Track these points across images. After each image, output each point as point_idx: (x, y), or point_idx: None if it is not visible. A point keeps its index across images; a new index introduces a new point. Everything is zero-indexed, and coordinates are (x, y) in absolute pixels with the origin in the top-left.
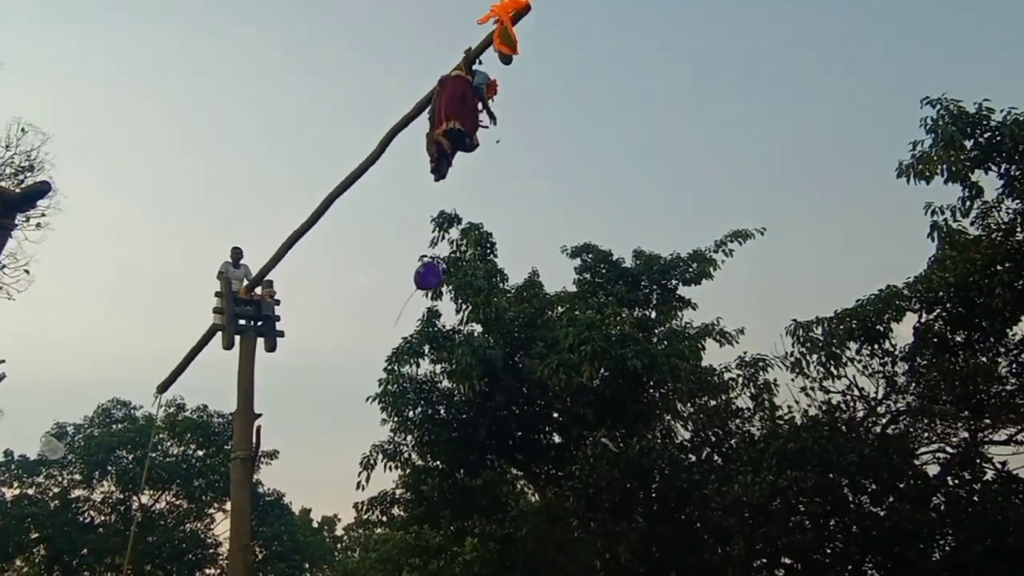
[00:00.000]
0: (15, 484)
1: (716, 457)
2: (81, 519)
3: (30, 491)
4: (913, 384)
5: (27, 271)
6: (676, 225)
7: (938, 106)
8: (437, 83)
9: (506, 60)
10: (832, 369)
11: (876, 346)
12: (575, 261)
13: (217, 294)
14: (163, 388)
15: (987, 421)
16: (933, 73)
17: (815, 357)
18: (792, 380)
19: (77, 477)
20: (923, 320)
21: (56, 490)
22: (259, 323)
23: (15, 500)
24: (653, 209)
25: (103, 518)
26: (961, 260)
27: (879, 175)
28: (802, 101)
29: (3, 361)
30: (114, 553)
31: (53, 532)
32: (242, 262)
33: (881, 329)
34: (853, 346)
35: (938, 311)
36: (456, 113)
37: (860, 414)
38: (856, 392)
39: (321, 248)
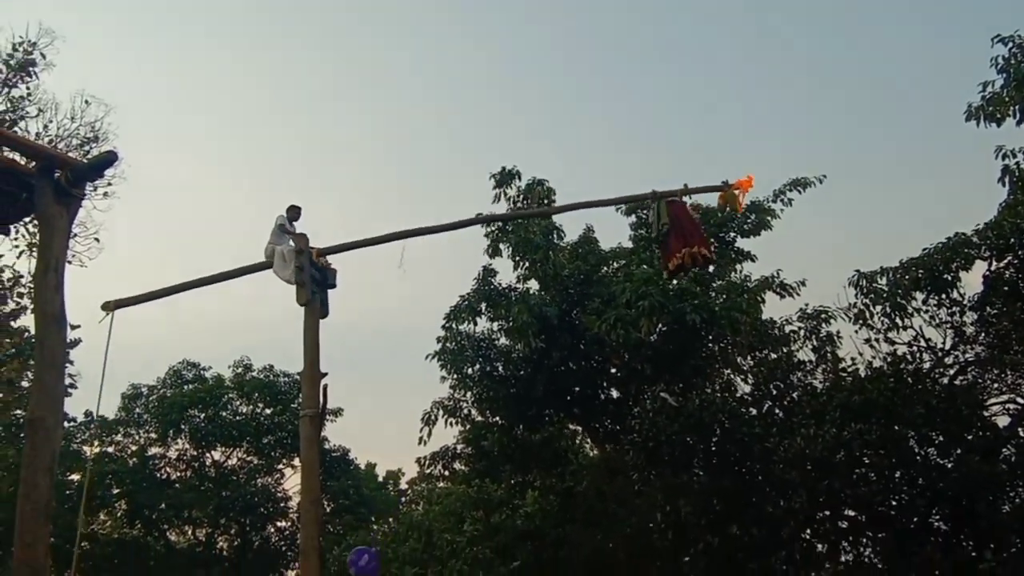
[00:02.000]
0: (95, 443)
1: (777, 410)
2: (158, 475)
3: (110, 449)
4: (982, 334)
5: (97, 239)
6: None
7: (1010, 44)
8: (660, 199)
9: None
10: (897, 320)
11: (943, 296)
12: (630, 218)
13: (275, 234)
14: (116, 307)
15: None
16: (1005, 8)
17: (879, 308)
18: (856, 332)
19: (153, 436)
20: (993, 268)
21: (134, 448)
22: (325, 288)
23: (96, 458)
24: (712, 161)
25: (178, 474)
26: None
27: (946, 118)
28: (866, 42)
29: (78, 327)
30: (191, 507)
31: (133, 488)
32: (296, 224)
33: (949, 278)
34: (919, 296)
35: (1009, 258)
36: (701, 238)
37: (927, 365)
38: (923, 343)
39: (385, 203)
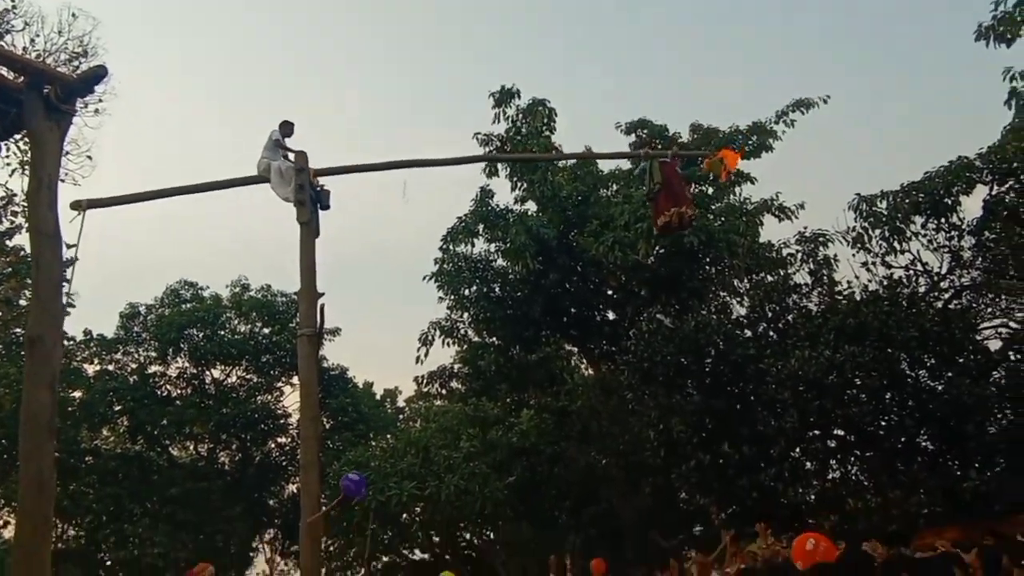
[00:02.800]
0: (95, 361)
1: (772, 333)
2: (159, 392)
3: (110, 367)
4: (979, 259)
5: (90, 157)
6: (736, 96)
7: None
8: (653, 159)
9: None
10: (895, 244)
11: (943, 220)
12: (629, 137)
13: (268, 151)
14: (88, 206)
15: None
16: None
17: (878, 232)
18: (853, 256)
19: (152, 354)
20: (994, 192)
21: (133, 366)
22: (318, 209)
23: (97, 375)
24: (713, 80)
25: (179, 391)
26: None
27: (955, 39)
28: None
29: (75, 245)
30: (191, 423)
31: (134, 405)
32: (289, 140)
33: (949, 202)
34: (918, 220)
35: (1010, 183)
36: (688, 200)
37: (922, 289)
38: (919, 267)
39: (383, 124)
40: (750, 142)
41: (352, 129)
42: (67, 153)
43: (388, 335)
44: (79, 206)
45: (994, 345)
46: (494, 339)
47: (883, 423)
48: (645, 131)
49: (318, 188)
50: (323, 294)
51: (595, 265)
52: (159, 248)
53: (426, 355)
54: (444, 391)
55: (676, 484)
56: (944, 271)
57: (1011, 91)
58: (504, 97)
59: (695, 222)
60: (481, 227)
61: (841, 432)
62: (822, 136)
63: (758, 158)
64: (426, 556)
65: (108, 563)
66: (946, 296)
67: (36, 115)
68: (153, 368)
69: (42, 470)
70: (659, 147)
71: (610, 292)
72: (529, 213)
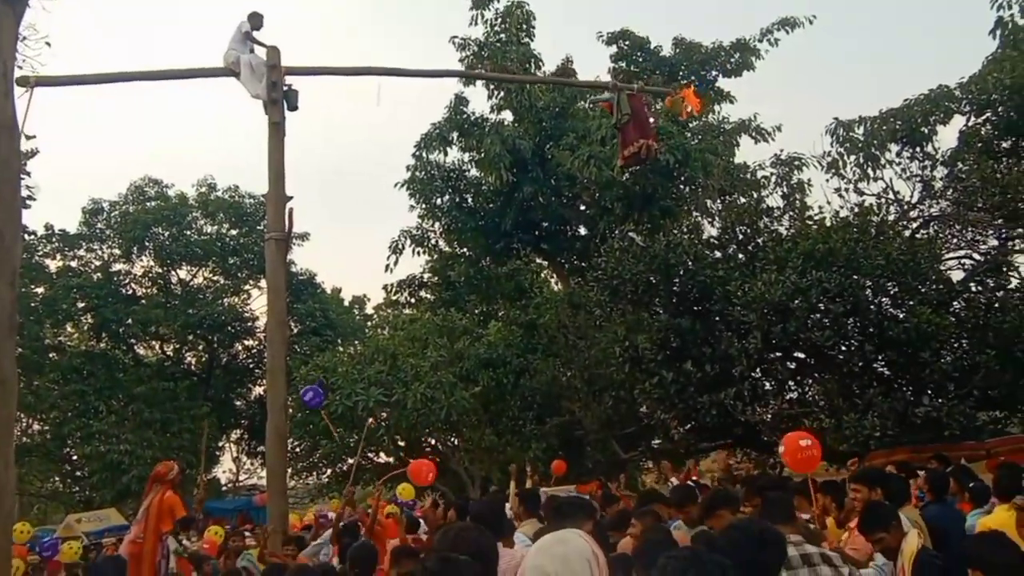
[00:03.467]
0: (57, 256)
1: (741, 255)
2: (123, 291)
3: (72, 263)
4: (950, 189)
5: (48, 44)
6: (722, 8)
7: None
8: (621, 91)
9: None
10: (869, 171)
11: (918, 149)
12: (610, 48)
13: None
14: (36, 83)
15: (1020, 231)
16: None
17: (853, 158)
18: (827, 181)
19: (117, 251)
20: (970, 124)
21: (97, 263)
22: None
23: (59, 272)
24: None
25: (144, 291)
26: (1022, 60)
27: None
28: None
29: (33, 136)
30: (157, 323)
31: (98, 303)
32: (257, 33)
33: (926, 131)
34: (894, 148)
35: (988, 115)
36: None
37: (891, 217)
38: (891, 195)
39: (358, 24)
40: (732, 60)
41: (323, 25)
42: (24, 39)
43: (358, 241)
44: (27, 82)
45: (957, 276)
46: (464, 250)
47: (843, 348)
48: (627, 42)
49: (286, 88)
50: (292, 197)
51: (569, 179)
52: (122, 144)
53: (396, 263)
54: (413, 300)
55: (638, 399)
56: (915, 200)
57: (997, 20)
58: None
59: (659, 155)
60: (455, 136)
61: (801, 355)
62: (805, 57)
63: (739, 76)
64: (391, 460)
65: (74, 458)
66: (914, 225)
67: None
68: (117, 266)
69: (2, 367)
70: (640, 59)
71: (583, 207)
72: (505, 123)
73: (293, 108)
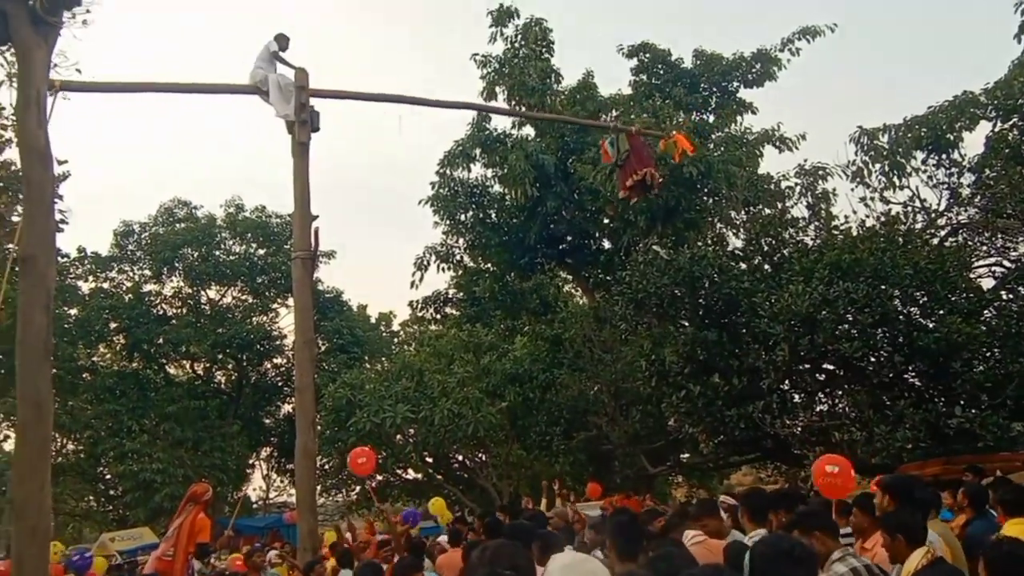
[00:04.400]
0: (90, 278)
1: (767, 266)
2: (155, 311)
3: (105, 285)
4: (978, 196)
5: (79, 70)
6: (742, 21)
7: None
8: (620, 132)
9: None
10: (895, 179)
11: (944, 156)
12: (631, 61)
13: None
14: (61, 87)
15: None
16: None
17: (878, 166)
18: (852, 190)
19: (147, 272)
20: (997, 129)
21: (128, 284)
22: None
23: (92, 293)
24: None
25: (175, 310)
26: None
27: None
28: None
29: (65, 161)
30: (188, 342)
31: (130, 323)
32: (284, 55)
33: (951, 138)
34: (919, 156)
35: (1015, 119)
36: (654, 163)
37: (919, 226)
38: (917, 203)
39: (379, 45)
40: (754, 70)
41: (345, 43)
42: (55, 66)
43: (384, 259)
44: (52, 86)
45: (987, 284)
46: (489, 265)
47: (872, 359)
48: (647, 55)
49: (315, 111)
50: (317, 216)
51: (592, 193)
52: (151, 166)
53: (421, 280)
54: (439, 316)
55: (666, 413)
56: (942, 208)
57: (1022, 24)
58: (502, 16)
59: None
60: (478, 152)
61: (830, 367)
62: (827, 66)
63: (761, 87)
64: (419, 476)
65: (107, 477)
66: (942, 233)
67: (22, 28)
68: (149, 287)
69: (39, 390)
70: (660, 72)
71: (607, 221)
72: (527, 138)
73: (315, 129)
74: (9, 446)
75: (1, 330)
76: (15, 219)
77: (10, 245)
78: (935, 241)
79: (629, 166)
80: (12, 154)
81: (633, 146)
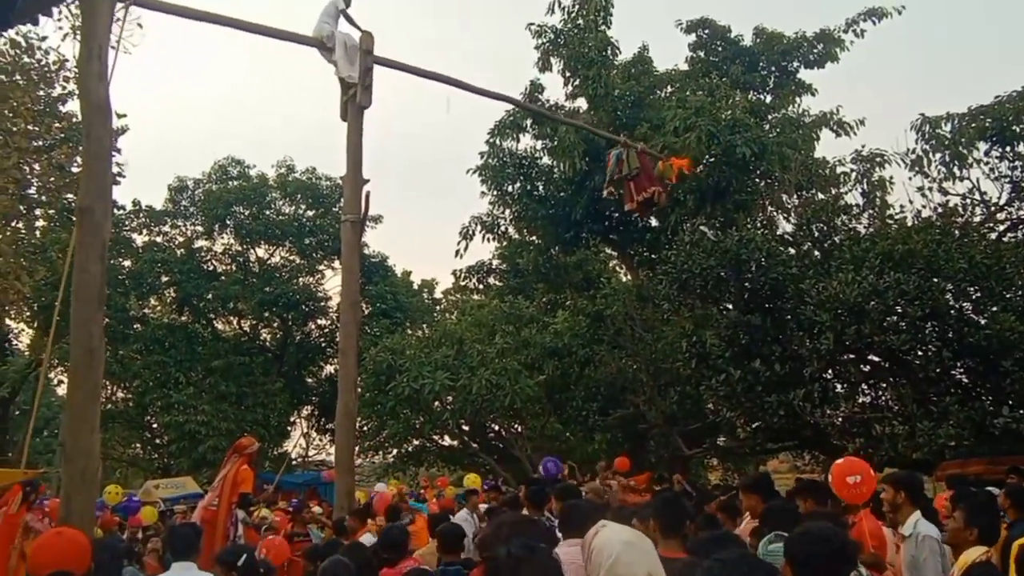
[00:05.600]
0: (143, 232)
1: (816, 252)
2: (205, 267)
3: (158, 239)
4: None
5: (140, 25)
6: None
7: None
8: (630, 148)
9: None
10: (955, 170)
11: (1008, 148)
12: (689, 37)
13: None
14: (132, 2)
15: None
16: None
17: (938, 156)
18: (910, 179)
19: (199, 228)
20: None
21: (181, 239)
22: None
23: (145, 246)
24: None
25: (224, 267)
26: None
27: None
28: None
29: (124, 115)
30: (236, 299)
31: (181, 277)
32: (349, 11)
33: (1017, 130)
34: (982, 147)
35: None
36: (661, 183)
37: (977, 219)
38: (977, 196)
39: (432, 10)
40: (815, 51)
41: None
42: (117, 20)
43: (430, 226)
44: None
45: None
46: (534, 238)
47: (920, 352)
48: (706, 31)
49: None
50: (368, 181)
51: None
52: (206, 122)
53: (466, 249)
54: (481, 286)
55: (704, 396)
56: (1003, 202)
57: None
58: None
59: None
60: (529, 123)
61: (876, 358)
62: (892, 49)
63: (822, 68)
64: (455, 443)
65: (154, 426)
66: (1001, 228)
67: None
68: (200, 243)
69: (92, 337)
70: (719, 49)
71: None
72: (579, 111)
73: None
74: (62, 391)
75: (56, 277)
76: (75, 169)
77: (69, 195)
78: (993, 235)
79: (640, 182)
80: (73, 106)
81: (642, 164)
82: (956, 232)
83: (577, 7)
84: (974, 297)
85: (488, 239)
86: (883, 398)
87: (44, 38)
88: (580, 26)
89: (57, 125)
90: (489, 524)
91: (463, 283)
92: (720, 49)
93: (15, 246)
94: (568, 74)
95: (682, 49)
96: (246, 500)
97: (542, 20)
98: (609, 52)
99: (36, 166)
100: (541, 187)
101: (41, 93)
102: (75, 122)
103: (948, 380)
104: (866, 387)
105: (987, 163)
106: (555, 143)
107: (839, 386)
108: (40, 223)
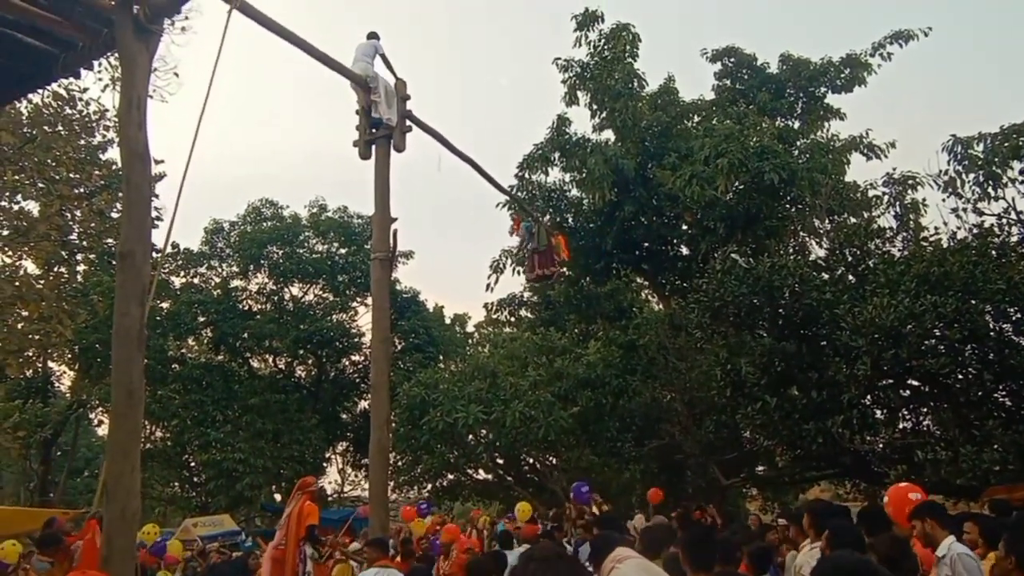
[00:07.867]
0: (181, 274)
1: (851, 277)
2: (240, 306)
3: (195, 280)
4: None
5: (176, 74)
6: (831, 23)
7: None
8: (541, 225)
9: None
10: (990, 190)
11: None
12: (715, 66)
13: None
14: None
15: None
16: None
17: (972, 176)
18: (943, 200)
19: (235, 269)
20: None
21: (217, 280)
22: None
23: (183, 288)
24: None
25: (259, 306)
26: None
27: None
28: None
29: (162, 161)
30: (271, 337)
31: (217, 317)
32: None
33: None
34: (1017, 166)
35: None
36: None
37: (1014, 239)
38: (1013, 215)
39: (462, 47)
40: (842, 75)
41: (426, 35)
42: (155, 70)
43: (462, 261)
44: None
45: None
46: (564, 270)
47: (960, 376)
48: (732, 59)
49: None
50: (396, 219)
51: (671, 199)
52: (240, 165)
53: (496, 282)
54: (513, 319)
55: (740, 424)
56: None
57: None
58: (587, 20)
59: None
60: (557, 155)
61: (915, 383)
62: (920, 72)
63: (850, 92)
64: (489, 477)
65: (192, 464)
66: None
67: (126, 35)
68: (235, 283)
69: (132, 379)
70: (745, 77)
71: (685, 227)
72: (608, 142)
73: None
74: (103, 431)
75: (98, 320)
76: (114, 215)
77: (109, 240)
78: None
79: (545, 255)
80: (113, 154)
81: (551, 242)
82: (993, 252)
83: (603, 41)
84: (1014, 318)
85: (518, 272)
86: (924, 423)
87: (85, 89)
88: (607, 59)
89: (97, 172)
90: (520, 558)
91: (495, 316)
92: (746, 77)
93: (57, 290)
94: (595, 107)
95: (708, 78)
96: (313, 534)
97: (568, 55)
98: (636, 84)
99: (78, 212)
100: (571, 219)
101: (82, 142)
102: (115, 169)
103: (990, 403)
104: (906, 412)
105: (1022, 182)
106: (583, 175)
107: (878, 412)
108: (81, 267)
